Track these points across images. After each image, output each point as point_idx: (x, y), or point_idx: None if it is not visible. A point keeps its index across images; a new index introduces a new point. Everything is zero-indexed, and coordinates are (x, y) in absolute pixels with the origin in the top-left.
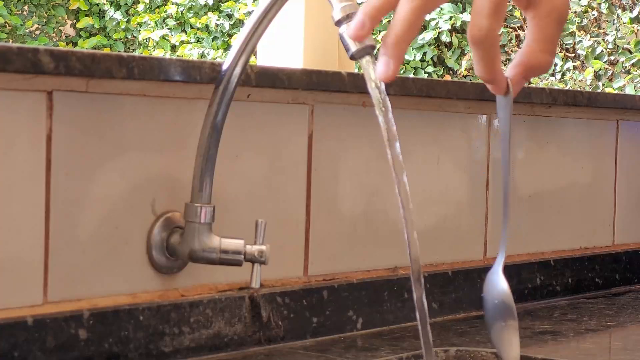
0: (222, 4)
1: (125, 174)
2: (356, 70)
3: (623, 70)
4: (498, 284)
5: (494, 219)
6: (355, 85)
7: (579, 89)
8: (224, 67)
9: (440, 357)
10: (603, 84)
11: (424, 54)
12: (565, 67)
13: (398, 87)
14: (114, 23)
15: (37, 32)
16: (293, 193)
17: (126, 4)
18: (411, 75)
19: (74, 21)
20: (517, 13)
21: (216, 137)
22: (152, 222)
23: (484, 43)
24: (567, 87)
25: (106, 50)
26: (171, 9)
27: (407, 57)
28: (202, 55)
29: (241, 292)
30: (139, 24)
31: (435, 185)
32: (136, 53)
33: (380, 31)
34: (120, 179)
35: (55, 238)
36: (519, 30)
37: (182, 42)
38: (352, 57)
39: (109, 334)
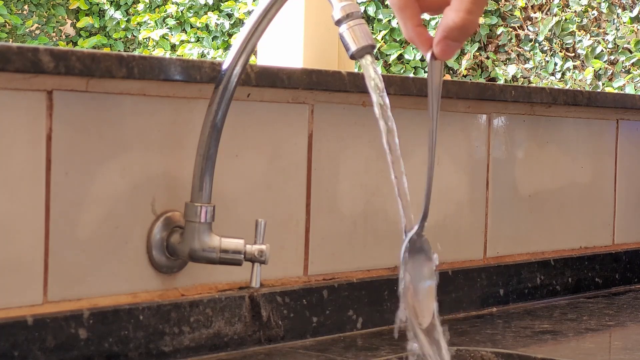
0: (222, 4)
1: (125, 173)
2: (356, 70)
3: (623, 70)
4: (422, 245)
5: (494, 219)
6: (355, 84)
7: (579, 89)
8: (224, 66)
9: None
10: (603, 84)
11: None
12: (565, 67)
13: (398, 87)
14: (114, 22)
15: (37, 32)
16: (293, 193)
17: (126, 3)
18: (411, 75)
19: (74, 21)
20: (517, 13)
21: (216, 136)
22: (152, 221)
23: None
24: (567, 87)
25: (106, 50)
26: (171, 9)
27: (407, 56)
28: (202, 55)
29: (241, 292)
30: (139, 24)
31: (435, 185)
32: (136, 52)
33: (380, 31)
34: (120, 178)
35: (55, 238)
36: (519, 30)
37: (182, 42)
38: (352, 57)
39: (109, 334)
